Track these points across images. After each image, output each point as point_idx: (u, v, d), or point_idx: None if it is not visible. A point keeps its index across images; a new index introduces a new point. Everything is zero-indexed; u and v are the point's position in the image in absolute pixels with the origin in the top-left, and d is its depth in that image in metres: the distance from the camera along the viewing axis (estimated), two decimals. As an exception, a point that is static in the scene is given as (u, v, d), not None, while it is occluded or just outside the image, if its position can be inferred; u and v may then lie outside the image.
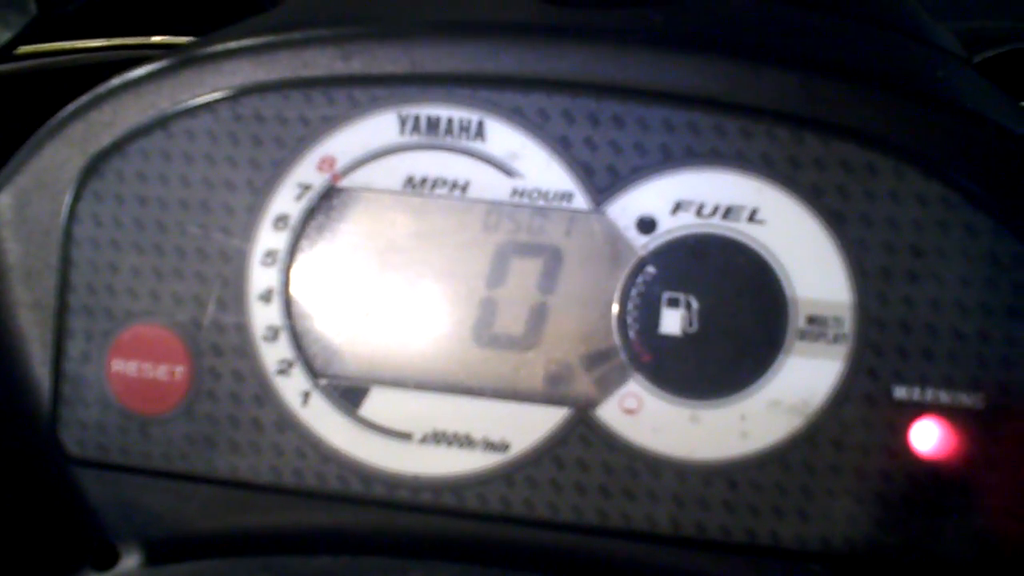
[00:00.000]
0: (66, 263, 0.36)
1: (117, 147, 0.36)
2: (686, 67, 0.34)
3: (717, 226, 0.33)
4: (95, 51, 0.57)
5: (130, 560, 0.37)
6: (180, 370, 0.36)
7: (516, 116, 0.34)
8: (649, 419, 0.33)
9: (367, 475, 0.35)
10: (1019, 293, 0.32)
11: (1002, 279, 0.32)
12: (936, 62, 0.38)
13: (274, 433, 0.35)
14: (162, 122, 0.36)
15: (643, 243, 0.34)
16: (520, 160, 0.34)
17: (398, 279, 0.35)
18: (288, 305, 0.35)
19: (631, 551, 0.34)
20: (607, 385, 0.34)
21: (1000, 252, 0.32)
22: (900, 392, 0.32)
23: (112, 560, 0.37)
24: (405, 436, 0.35)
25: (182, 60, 0.36)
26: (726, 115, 0.33)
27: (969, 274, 0.32)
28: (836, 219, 0.33)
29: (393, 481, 0.35)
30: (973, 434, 0.32)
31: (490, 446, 0.34)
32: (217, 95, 0.35)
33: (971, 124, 0.33)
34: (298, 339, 0.35)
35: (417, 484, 0.35)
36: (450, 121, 0.35)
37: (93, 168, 0.36)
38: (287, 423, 0.35)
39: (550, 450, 0.34)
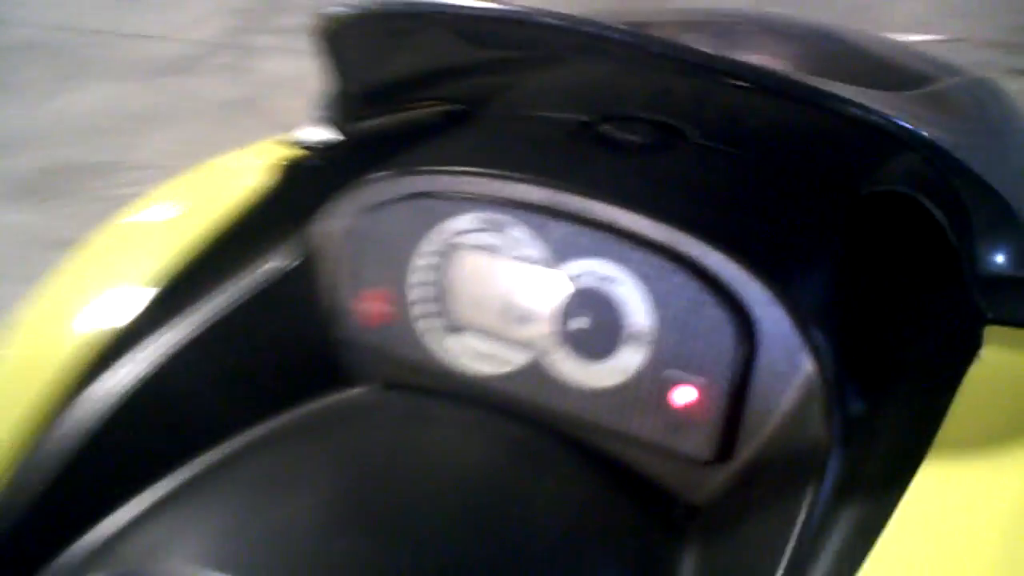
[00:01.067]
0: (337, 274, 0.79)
1: (355, 219, 0.77)
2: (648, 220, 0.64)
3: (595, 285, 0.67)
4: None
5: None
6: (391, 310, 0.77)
7: (541, 229, 0.67)
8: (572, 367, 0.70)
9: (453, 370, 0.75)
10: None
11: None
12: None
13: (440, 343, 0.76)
14: (368, 210, 0.76)
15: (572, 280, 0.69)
16: (524, 248, 0.71)
17: (480, 288, 0.73)
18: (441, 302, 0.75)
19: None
20: (550, 347, 0.70)
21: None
22: (668, 372, 0.62)
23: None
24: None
25: (375, 177, 0.75)
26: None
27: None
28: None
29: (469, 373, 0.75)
30: (702, 396, 0.61)
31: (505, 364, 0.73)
32: (392, 197, 0.75)
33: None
34: (448, 315, 0.74)
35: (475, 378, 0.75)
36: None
37: (347, 229, 0.78)
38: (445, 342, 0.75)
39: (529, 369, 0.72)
